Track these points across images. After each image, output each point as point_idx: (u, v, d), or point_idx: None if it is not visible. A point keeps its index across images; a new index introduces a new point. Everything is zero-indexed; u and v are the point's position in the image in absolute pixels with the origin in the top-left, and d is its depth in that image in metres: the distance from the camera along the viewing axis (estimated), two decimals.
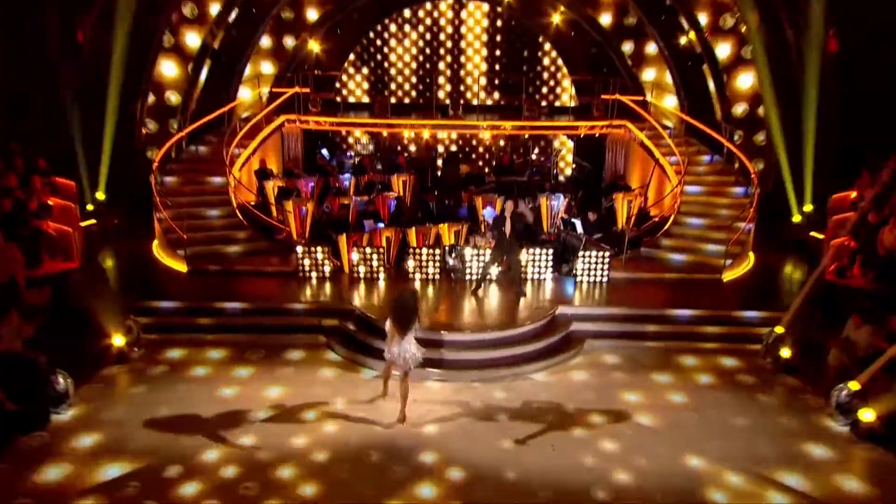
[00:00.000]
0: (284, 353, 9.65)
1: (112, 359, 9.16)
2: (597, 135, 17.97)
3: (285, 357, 9.55)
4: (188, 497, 6.42)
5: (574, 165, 21.19)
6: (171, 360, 9.40)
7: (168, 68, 15.50)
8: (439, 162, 20.42)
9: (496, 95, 20.94)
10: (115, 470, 6.78)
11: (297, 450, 7.23)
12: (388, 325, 7.84)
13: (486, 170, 20.30)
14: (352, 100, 20.70)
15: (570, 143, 21.53)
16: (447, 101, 19.69)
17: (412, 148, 21.12)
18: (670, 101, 17.44)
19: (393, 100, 20.26)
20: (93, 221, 13.56)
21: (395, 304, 7.81)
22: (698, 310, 10.66)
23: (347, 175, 16.73)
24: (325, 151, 19.57)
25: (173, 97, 15.59)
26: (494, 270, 11.74)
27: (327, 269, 12.01)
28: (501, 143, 21.76)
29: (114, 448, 7.18)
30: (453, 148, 21.67)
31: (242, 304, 10.63)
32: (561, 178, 20.38)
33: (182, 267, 12.22)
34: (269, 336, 10.06)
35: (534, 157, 21.07)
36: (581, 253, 11.91)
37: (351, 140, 21.83)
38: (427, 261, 11.90)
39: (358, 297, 10.90)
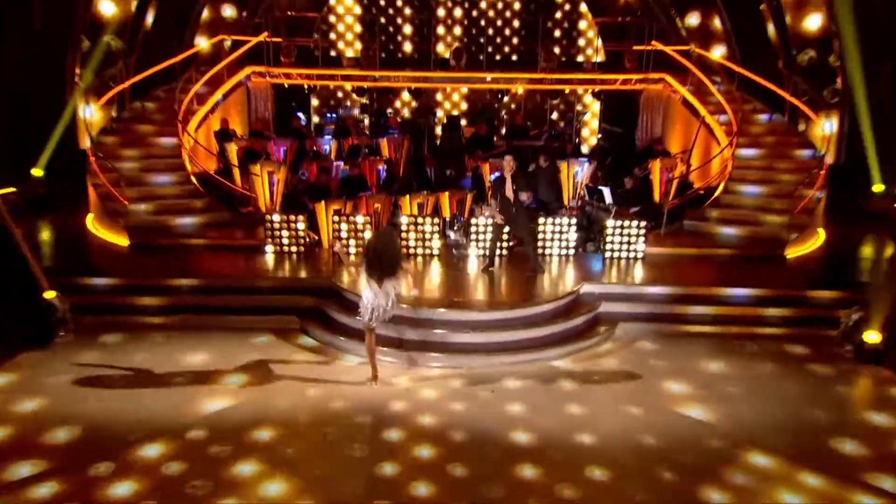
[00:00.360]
0: (248, 337, 9.37)
1: (29, 343, 8.83)
2: (630, 89, 17.66)
3: (249, 342, 9.25)
4: (120, 498, 6.03)
5: (600, 135, 20.83)
6: (105, 344, 9.07)
7: (106, 7, 15.11)
8: (438, 130, 20.05)
9: (506, 49, 20.60)
10: (25, 469, 6.39)
11: (260, 443, 6.88)
12: (364, 273, 7.79)
13: (495, 138, 19.91)
14: (332, 54, 20.34)
15: (596, 107, 21.17)
16: (447, 56, 19.34)
17: (406, 113, 20.79)
18: (718, 52, 17.09)
19: (383, 54, 19.91)
20: (12, 189, 13.19)
21: (374, 248, 7.74)
22: (757, 289, 10.38)
23: (328, 138, 16.43)
24: (301, 115, 19.29)
25: (113, 42, 15.19)
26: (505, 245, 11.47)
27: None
28: (513, 106, 21.41)
29: (25, 444, 6.79)
30: (455, 112, 21.31)
31: (196, 282, 10.37)
32: (584, 148, 20.00)
33: (122, 240, 11.96)
34: (229, 318, 9.79)
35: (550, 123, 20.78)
36: (611, 222, 11.63)
37: (332, 102, 21.50)
38: (421, 226, 11.69)
39: (339, 273, 10.60)
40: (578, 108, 21.18)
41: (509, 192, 10.44)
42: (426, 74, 17.71)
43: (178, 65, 15.43)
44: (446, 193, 12.93)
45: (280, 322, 9.69)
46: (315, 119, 20.72)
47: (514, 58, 20.41)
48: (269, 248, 11.64)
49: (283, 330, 9.58)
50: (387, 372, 8.38)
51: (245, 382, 8.13)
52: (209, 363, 8.61)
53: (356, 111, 20.96)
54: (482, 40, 19.82)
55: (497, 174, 13.57)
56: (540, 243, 11.75)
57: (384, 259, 7.67)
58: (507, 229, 11.06)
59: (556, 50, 19.69)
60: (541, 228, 11.82)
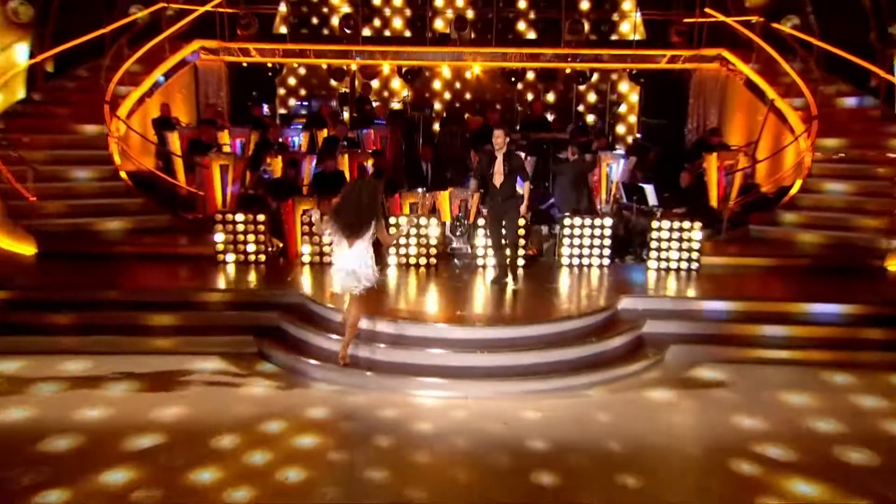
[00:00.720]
0: (189, 362, 9.16)
1: None
2: (678, 69, 17.64)
3: (190, 368, 9.03)
4: None
5: (638, 135, 20.79)
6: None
7: None
8: (436, 127, 20.03)
9: (521, 25, 20.65)
10: None
11: (200, 487, 6.55)
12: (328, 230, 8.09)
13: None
14: (303, 31, 20.37)
15: (634, 98, 21.16)
16: (449, 30, 19.34)
17: (396, 105, 20.81)
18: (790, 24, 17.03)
19: (367, 31, 19.98)
20: None
21: (342, 199, 8.02)
22: (851, 305, 10.24)
23: (297, 128, 16.59)
24: (266, 108, 19.35)
25: (21, 9, 15.09)
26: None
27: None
28: (530, 96, 21.40)
29: None
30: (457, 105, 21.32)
31: (123, 296, 10.31)
32: (619, 149, 19.95)
33: (27, 248, 11.93)
34: (166, 340, 9.67)
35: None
36: (656, 224, 11.53)
37: (303, 92, 21.51)
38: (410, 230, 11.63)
39: (308, 284, 10.65)
40: (613, 97, 21.16)
41: (498, 177, 10.20)
42: (421, 49, 17.61)
43: (106, 37, 15.38)
44: (446, 192, 12.81)
45: (232, 344, 9.52)
46: (282, 111, 20.73)
47: (533, 36, 20.45)
48: (220, 258, 11.52)
49: (235, 353, 9.38)
50: (370, 400, 8.16)
51: (182, 415, 7.83)
52: (136, 393, 8.35)
53: (334, 103, 20.99)
54: (491, 15, 19.79)
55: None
56: (571, 250, 11.72)
57: (357, 210, 7.89)
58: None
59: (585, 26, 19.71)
60: (567, 232, 11.74)
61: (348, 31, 17.59)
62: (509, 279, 10.69)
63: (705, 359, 9.50)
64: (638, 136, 20.68)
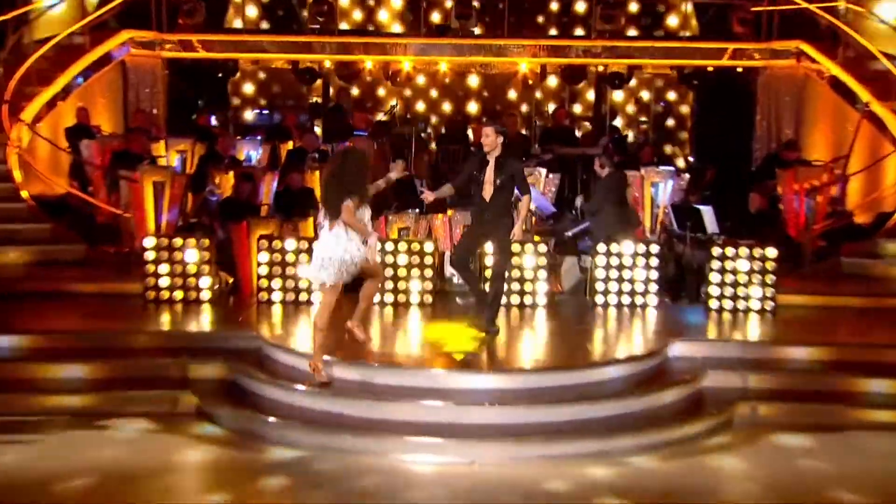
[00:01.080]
0: (105, 426, 9.02)
1: None
2: (742, 67, 18.00)
3: (106, 434, 8.90)
4: None
5: (691, 158, 20.95)
6: None
7: None
8: (433, 146, 20.15)
9: (540, 18, 20.87)
10: None
11: None
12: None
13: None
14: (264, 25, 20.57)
15: (685, 109, 21.30)
16: (450, 20, 19.54)
17: (382, 116, 20.94)
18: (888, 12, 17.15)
19: (345, 25, 20.16)
20: None
21: (327, 171, 8.60)
22: None
23: (255, 139, 16.95)
24: (213, 119, 19.50)
25: None
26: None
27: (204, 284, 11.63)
28: (551, 107, 21.48)
29: None
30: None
31: (23, 343, 10.28)
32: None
33: None
34: (76, 395, 9.59)
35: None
36: (717, 252, 11.61)
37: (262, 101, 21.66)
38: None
39: (266, 324, 10.81)
40: (658, 107, 21.30)
41: (487, 187, 10.05)
42: (413, 41, 17.77)
43: (6, 25, 15.60)
44: (445, 215, 12.90)
45: (164, 401, 9.44)
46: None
47: (555, 31, 20.68)
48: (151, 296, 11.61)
49: (167, 414, 9.29)
50: (345, 466, 8.04)
51: (92, 488, 7.66)
52: (32, 463, 8.20)
53: (304, 118, 21.15)
54: (501, 5, 20.01)
55: (541, 198, 13.57)
56: (606, 285, 11.74)
57: (338, 184, 8.22)
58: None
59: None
60: (602, 262, 11.73)
61: (321, 19, 17.63)
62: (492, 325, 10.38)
63: (785, 420, 9.42)
64: (691, 158, 20.81)
